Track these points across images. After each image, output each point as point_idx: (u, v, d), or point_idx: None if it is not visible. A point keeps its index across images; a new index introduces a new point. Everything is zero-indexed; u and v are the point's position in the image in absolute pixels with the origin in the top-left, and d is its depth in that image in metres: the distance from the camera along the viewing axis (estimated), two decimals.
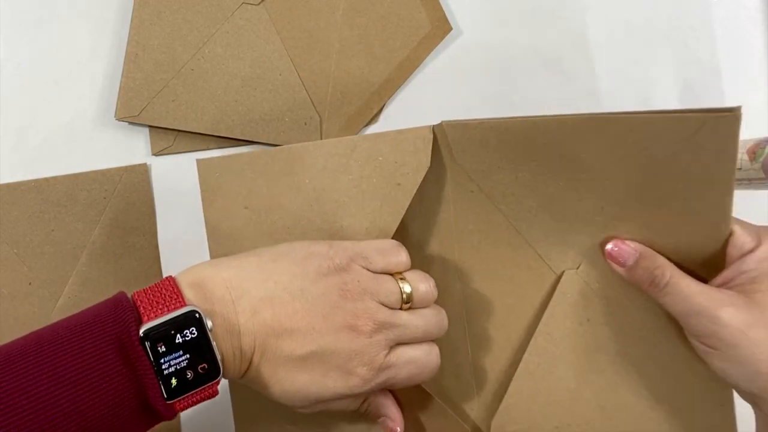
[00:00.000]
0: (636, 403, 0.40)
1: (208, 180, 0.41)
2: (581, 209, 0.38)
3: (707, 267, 0.37)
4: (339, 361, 0.34)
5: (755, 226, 0.37)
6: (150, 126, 0.49)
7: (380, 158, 0.40)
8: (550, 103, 0.49)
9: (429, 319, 0.37)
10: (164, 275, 0.47)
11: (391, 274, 0.37)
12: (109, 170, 0.48)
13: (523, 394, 0.41)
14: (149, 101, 0.48)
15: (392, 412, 0.38)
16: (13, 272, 0.47)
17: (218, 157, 0.41)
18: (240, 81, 0.48)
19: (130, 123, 0.48)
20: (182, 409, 0.31)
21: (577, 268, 0.40)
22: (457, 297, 0.42)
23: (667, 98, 0.49)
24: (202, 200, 0.41)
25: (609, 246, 0.38)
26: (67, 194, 0.47)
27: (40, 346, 0.30)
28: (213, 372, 0.31)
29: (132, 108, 0.48)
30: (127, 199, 0.48)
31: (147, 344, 0.30)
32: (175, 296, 0.32)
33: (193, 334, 0.31)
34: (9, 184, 0.47)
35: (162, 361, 0.30)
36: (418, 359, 0.36)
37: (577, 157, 0.37)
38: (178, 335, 0.30)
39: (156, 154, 0.49)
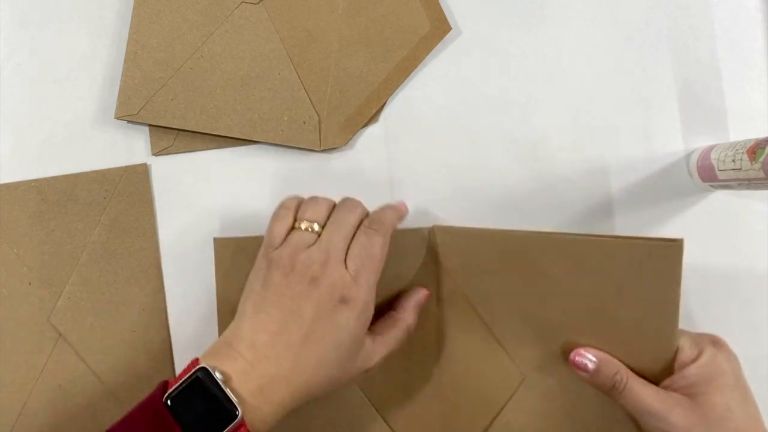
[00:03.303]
0: None
1: (224, 258, 0.46)
2: (547, 318, 0.44)
3: (657, 372, 0.42)
4: (327, 306, 0.38)
5: (697, 335, 0.43)
6: (150, 125, 0.49)
7: None
8: (550, 103, 0.49)
9: (340, 215, 0.42)
10: (164, 275, 0.48)
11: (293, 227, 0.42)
12: (109, 170, 0.48)
13: None
14: (148, 100, 0.48)
15: (413, 296, 0.44)
16: (13, 272, 0.47)
17: (234, 238, 0.47)
18: (239, 80, 0.48)
19: (130, 122, 0.49)
20: None
21: (541, 370, 0.45)
22: (433, 382, 0.46)
23: (667, 98, 0.49)
24: (216, 275, 0.46)
25: (572, 356, 0.43)
26: (67, 194, 0.48)
27: None
28: (232, 414, 0.35)
29: (131, 107, 0.48)
30: (127, 199, 0.48)
31: (169, 404, 0.35)
32: (192, 365, 0.37)
33: (205, 386, 0.35)
34: (9, 184, 0.48)
35: (183, 416, 0.35)
36: (363, 241, 0.41)
37: (546, 272, 0.42)
38: (194, 392, 0.36)
39: (156, 154, 0.49)
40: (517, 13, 0.50)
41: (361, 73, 0.49)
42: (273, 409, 0.37)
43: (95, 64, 0.49)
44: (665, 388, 0.42)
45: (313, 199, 0.43)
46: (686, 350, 0.42)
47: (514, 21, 0.50)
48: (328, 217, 0.42)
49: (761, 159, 0.40)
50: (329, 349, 0.38)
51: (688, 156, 0.49)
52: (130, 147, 0.49)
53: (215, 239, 0.47)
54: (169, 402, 0.35)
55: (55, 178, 0.48)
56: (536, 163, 0.49)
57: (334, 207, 0.43)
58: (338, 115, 0.49)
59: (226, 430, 0.35)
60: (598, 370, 0.42)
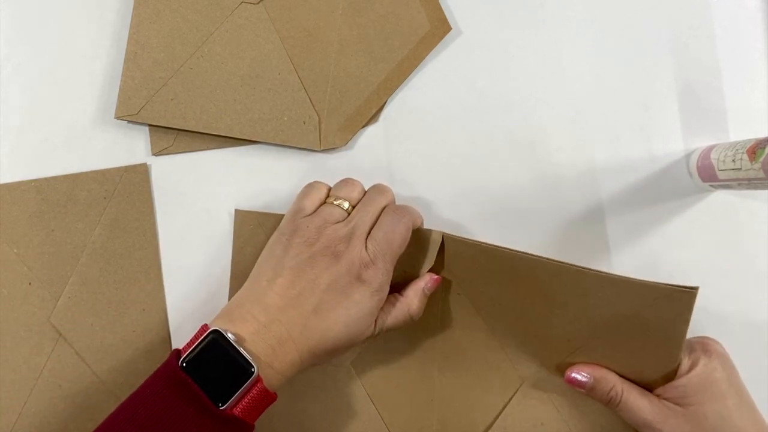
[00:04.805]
0: None
1: (243, 229, 0.48)
2: (551, 335, 0.44)
3: (653, 384, 0.43)
4: (343, 281, 0.40)
5: (689, 341, 0.43)
6: (150, 125, 0.49)
7: None
8: (550, 103, 0.49)
9: (371, 198, 0.43)
10: (164, 275, 0.48)
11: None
12: (109, 170, 0.48)
13: None
14: (148, 100, 0.48)
15: (420, 282, 0.44)
16: (13, 272, 0.47)
17: (255, 213, 0.48)
18: (239, 80, 0.48)
19: (130, 122, 0.49)
20: (242, 412, 0.36)
21: (540, 377, 0.46)
22: (432, 383, 0.47)
23: (667, 98, 0.49)
24: (233, 246, 0.48)
25: (568, 374, 0.44)
26: (67, 194, 0.48)
27: (120, 413, 0.37)
28: (248, 371, 0.36)
29: (131, 107, 0.48)
30: (127, 199, 0.48)
31: (185, 368, 0.36)
32: (202, 330, 0.38)
33: (220, 347, 0.36)
34: (9, 184, 0.48)
35: (201, 377, 0.36)
36: (386, 225, 0.42)
37: (553, 296, 0.43)
38: (209, 354, 0.37)
39: (156, 154, 0.49)
40: (517, 13, 0.50)
41: (361, 73, 0.49)
42: (284, 367, 0.38)
43: (95, 64, 0.49)
44: (659, 396, 0.42)
45: (348, 180, 0.45)
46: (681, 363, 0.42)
47: (515, 21, 0.50)
48: (359, 200, 0.44)
49: (761, 159, 0.40)
50: (338, 321, 0.39)
51: (688, 156, 0.49)
52: (130, 147, 0.49)
53: (236, 210, 0.48)
54: (185, 365, 0.36)
55: (55, 178, 0.48)
56: (536, 163, 0.49)
57: (364, 193, 0.44)
58: (338, 115, 0.49)
59: (245, 386, 0.36)
60: (593, 387, 0.43)
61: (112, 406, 0.46)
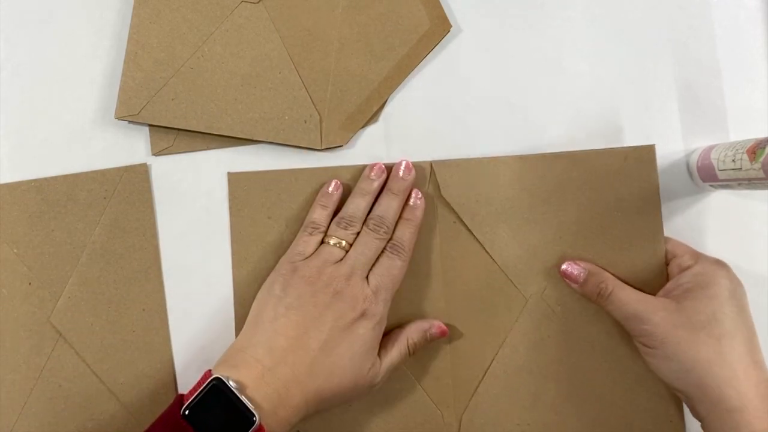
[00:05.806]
0: (587, 410, 0.47)
1: (237, 191, 0.48)
2: (543, 239, 0.47)
3: (651, 283, 0.46)
4: (348, 318, 0.41)
5: (701, 253, 0.45)
6: (150, 125, 0.49)
7: None
8: (550, 103, 0.49)
9: (368, 239, 0.44)
10: (164, 275, 0.48)
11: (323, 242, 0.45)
12: (109, 170, 0.48)
13: (489, 395, 0.48)
14: (149, 100, 0.48)
15: (424, 323, 0.46)
16: (13, 272, 0.47)
17: (247, 172, 0.48)
18: (239, 79, 0.48)
19: (130, 122, 0.49)
20: None
21: (542, 292, 0.48)
22: (441, 313, 0.48)
23: (667, 98, 0.49)
24: (230, 208, 0.48)
25: (563, 266, 0.46)
26: (67, 194, 0.48)
27: None
28: (250, 420, 0.36)
29: (131, 107, 0.48)
30: (127, 199, 0.48)
31: (187, 416, 0.36)
32: (205, 377, 0.38)
33: (222, 395, 0.36)
34: (9, 184, 0.48)
35: (202, 426, 0.36)
36: (385, 262, 0.44)
37: (537, 191, 0.47)
38: (211, 402, 0.37)
39: (156, 154, 0.49)
40: (517, 13, 0.50)
41: (361, 72, 0.49)
42: (289, 413, 0.38)
43: (95, 64, 0.49)
44: (661, 296, 0.43)
45: (345, 217, 0.45)
46: (684, 258, 0.44)
47: (515, 20, 0.50)
48: (357, 234, 0.44)
49: (761, 159, 0.40)
50: (344, 356, 0.40)
51: (688, 156, 0.49)
52: (130, 147, 0.49)
53: (229, 173, 0.48)
54: (187, 413, 0.36)
55: (55, 178, 0.48)
56: None
57: (364, 221, 0.45)
58: (339, 114, 0.49)
59: None
60: (586, 280, 0.45)
61: (112, 407, 0.46)
